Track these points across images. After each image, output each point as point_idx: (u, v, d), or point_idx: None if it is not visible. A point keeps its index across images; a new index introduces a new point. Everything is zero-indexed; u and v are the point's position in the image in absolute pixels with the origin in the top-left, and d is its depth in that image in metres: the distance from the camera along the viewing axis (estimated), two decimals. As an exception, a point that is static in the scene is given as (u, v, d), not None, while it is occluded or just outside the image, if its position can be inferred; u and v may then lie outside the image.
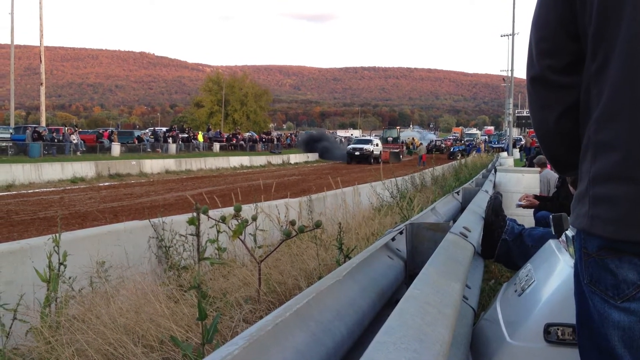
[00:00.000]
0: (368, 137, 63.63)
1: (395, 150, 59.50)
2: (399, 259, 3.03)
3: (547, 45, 1.48)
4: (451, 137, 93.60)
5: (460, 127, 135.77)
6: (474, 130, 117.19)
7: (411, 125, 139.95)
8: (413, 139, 76.27)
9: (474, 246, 3.11)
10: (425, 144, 73.25)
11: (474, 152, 55.99)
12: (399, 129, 74.25)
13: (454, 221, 4.41)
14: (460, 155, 48.03)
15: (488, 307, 3.12)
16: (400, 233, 3.22)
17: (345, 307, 1.96)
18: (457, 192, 7.76)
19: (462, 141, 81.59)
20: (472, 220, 4.14)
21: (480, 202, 5.62)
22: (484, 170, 17.86)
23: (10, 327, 3.37)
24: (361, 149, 52.06)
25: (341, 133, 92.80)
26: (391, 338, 1.24)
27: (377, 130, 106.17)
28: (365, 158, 50.63)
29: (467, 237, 3.13)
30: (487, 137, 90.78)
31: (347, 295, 2.05)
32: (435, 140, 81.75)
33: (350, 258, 3.59)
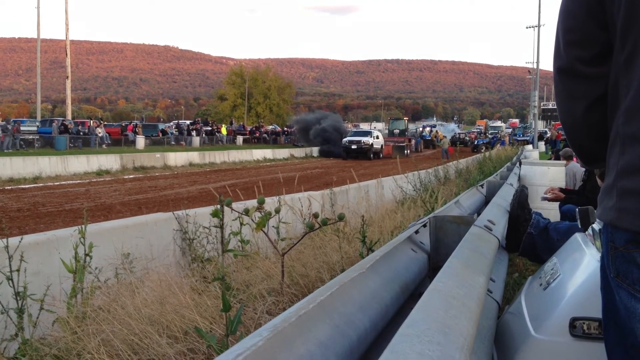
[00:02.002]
0: (367, 129, 54.89)
1: (400, 144, 52.38)
2: (423, 252, 3.01)
3: (575, 36, 1.45)
4: (475, 130, 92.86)
5: (484, 120, 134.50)
6: (498, 123, 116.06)
7: (434, 118, 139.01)
8: (437, 131, 75.55)
9: (498, 239, 3.09)
10: (448, 137, 72.26)
11: (499, 145, 55.35)
12: (407, 119, 66.61)
13: (478, 214, 4.39)
14: (484, 148, 47.64)
15: (513, 301, 3.10)
16: (424, 226, 3.20)
17: (369, 299, 1.96)
18: (482, 185, 7.71)
19: (487, 134, 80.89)
20: (497, 213, 4.11)
21: (504, 195, 5.57)
22: (508, 163, 17.69)
23: (38, 317, 3.43)
24: (359, 142, 45.47)
25: (364, 126, 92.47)
26: (415, 330, 1.23)
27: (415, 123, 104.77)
28: (364, 153, 44.74)
29: (491, 230, 3.10)
30: (512, 130, 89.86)
31: (371, 288, 2.05)
32: (459, 133, 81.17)
33: (373, 251, 3.59)
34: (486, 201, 6.53)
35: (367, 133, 48.54)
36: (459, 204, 5.22)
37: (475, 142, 63.91)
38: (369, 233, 4.78)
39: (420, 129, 76.75)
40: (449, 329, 1.31)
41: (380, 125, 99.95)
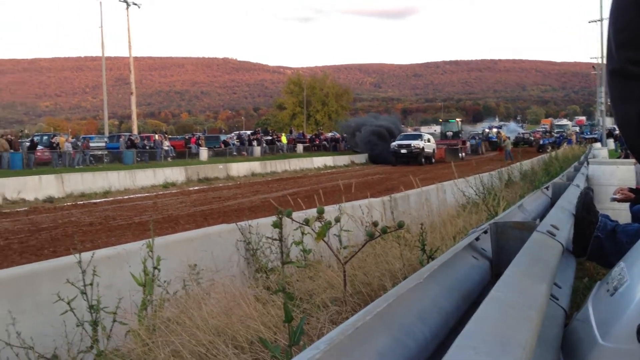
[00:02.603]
0: (418, 132, 51.46)
1: (454, 147, 49.50)
2: (484, 259, 2.99)
3: (626, 36, 1.43)
4: (540, 129, 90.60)
5: (549, 119, 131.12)
6: (564, 121, 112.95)
7: (496, 118, 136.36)
8: (499, 132, 73.98)
9: (562, 245, 3.03)
10: (511, 137, 70.49)
11: (565, 144, 53.76)
12: (460, 121, 60.52)
13: (542, 218, 4.30)
14: (550, 148, 46.41)
15: (580, 307, 3.03)
16: (485, 232, 3.18)
17: (428, 309, 1.97)
18: (547, 187, 7.54)
19: (552, 133, 78.82)
20: (562, 217, 4.02)
21: (570, 198, 5.44)
22: (575, 163, 17.21)
23: (111, 329, 3.57)
24: (408, 145, 42.03)
25: (424, 129, 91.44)
26: (471, 342, 1.24)
27: (463, 126, 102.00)
28: (415, 157, 41.31)
29: (555, 235, 3.04)
30: (578, 128, 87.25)
31: (430, 297, 2.05)
32: (523, 133, 79.39)
33: (433, 258, 3.58)
34: (552, 204, 6.38)
35: (418, 136, 45.33)
36: (522, 207, 5.12)
37: (541, 142, 62.28)
38: (430, 239, 4.76)
39: (487, 130, 74.83)
40: (507, 340, 1.31)
41: (440, 128, 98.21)
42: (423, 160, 41.75)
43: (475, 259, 2.83)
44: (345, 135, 59.42)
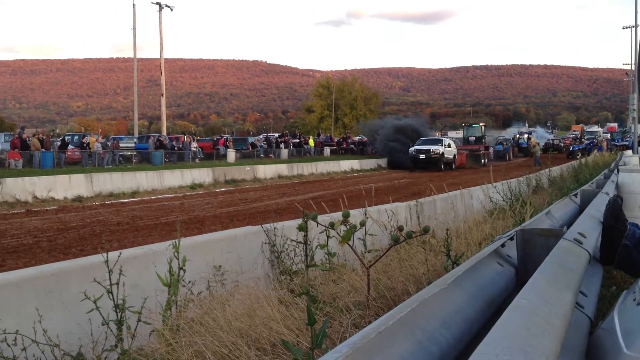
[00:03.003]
0: (438, 137, 47.86)
1: (476, 153, 47.10)
2: (510, 266, 2.96)
3: None
4: (570, 135, 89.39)
5: (580, 125, 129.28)
6: (595, 128, 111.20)
7: (525, 124, 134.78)
8: (529, 138, 73.01)
9: (589, 253, 2.99)
10: (540, 143, 69.42)
11: (595, 151, 52.87)
12: (483, 125, 57.29)
13: (570, 226, 4.25)
14: (580, 155, 45.68)
15: (606, 316, 2.98)
16: (511, 239, 3.15)
17: (452, 315, 1.95)
18: (575, 195, 7.44)
19: (582, 139, 77.69)
20: (590, 225, 3.97)
21: (599, 205, 5.36)
22: (605, 170, 16.95)
23: (135, 329, 3.60)
24: (428, 151, 39.98)
25: (452, 134, 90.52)
26: (494, 349, 1.23)
27: (491, 131, 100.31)
28: (434, 163, 39.61)
29: (582, 243, 3.01)
30: (609, 135, 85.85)
31: (454, 303, 2.04)
32: (553, 139, 78.42)
33: (458, 264, 3.55)
34: (580, 211, 6.30)
35: (437, 141, 42.95)
36: (550, 214, 5.07)
37: (571, 148, 61.47)
38: (455, 245, 4.73)
39: (517, 135, 73.58)
40: (530, 348, 1.29)
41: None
42: (443, 166, 40.08)
43: (500, 266, 2.80)
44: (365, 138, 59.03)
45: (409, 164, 40.63)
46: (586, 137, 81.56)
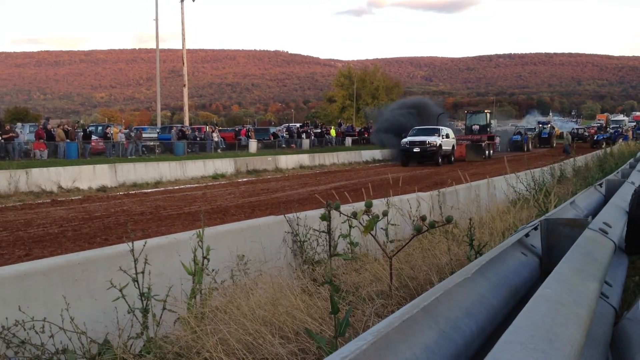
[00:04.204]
0: (434, 126, 39.47)
1: (477, 143, 41.41)
2: (534, 256, 2.95)
3: None
4: (595, 125, 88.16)
5: (605, 114, 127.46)
6: (620, 117, 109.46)
7: (550, 113, 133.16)
8: (553, 127, 71.90)
9: (614, 243, 2.97)
10: (564, 132, 68.06)
11: (620, 140, 51.90)
12: (488, 112, 50.43)
13: (595, 216, 4.21)
14: (604, 144, 44.88)
15: (631, 306, 2.96)
16: (535, 229, 3.13)
17: (475, 304, 1.96)
18: (600, 184, 7.37)
19: (608, 128, 76.48)
20: (615, 215, 3.93)
21: (624, 195, 5.31)
22: (631, 160, 16.73)
23: (161, 317, 3.65)
24: (423, 142, 34.55)
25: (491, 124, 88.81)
26: (519, 338, 1.23)
27: (514, 120, 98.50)
28: (430, 156, 34.61)
29: (607, 233, 2.98)
30: (635, 123, 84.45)
31: (477, 292, 2.04)
32: (577, 128, 77.36)
33: (481, 254, 3.54)
34: (605, 201, 6.23)
35: (434, 130, 36.74)
36: (574, 204, 5.03)
37: (595, 137, 60.37)
38: (478, 235, 4.71)
39: (540, 124, 71.64)
40: (555, 337, 1.29)
41: (492, 123, 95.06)
42: (441, 159, 35.12)
43: (524, 255, 2.79)
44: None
45: (401, 157, 35.79)
46: (611, 126, 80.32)
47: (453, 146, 37.41)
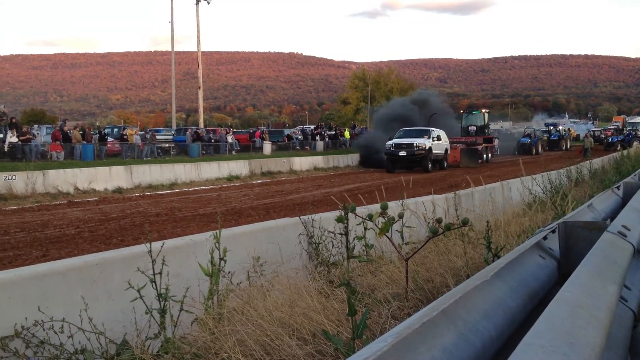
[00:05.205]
0: (424, 127, 34.91)
1: (473, 147, 36.89)
2: (552, 259, 2.94)
3: None
4: (611, 127, 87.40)
5: (622, 116, 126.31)
6: (637, 119, 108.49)
7: (566, 115, 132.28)
8: (569, 129, 71.27)
9: (633, 246, 2.95)
10: (581, 134, 67.24)
11: (635, 143, 51.15)
12: (486, 112, 45.36)
13: (613, 219, 4.18)
14: (619, 146, 44.26)
15: (651, 311, 2.94)
16: (553, 232, 3.12)
17: (494, 307, 1.96)
18: (618, 187, 7.31)
19: (624, 130, 75.72)
20: (633, 217, 3.90)
21: (642, 198, 5.26)
22: (648, 162, 16.58)
23: (178, 318, 3.68)
24: (410, 145, 30.66)
25: (492, 126, 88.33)
26: (540, 340, 1.24)
27: (529, 122, 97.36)
28: (419, 161, 30.76)
29: (626, 236, 2.96)
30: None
31: (496, 295, 2.04)
32: (594, 130, 76.73)
33: (499, 257, 3.53)
34: (623, 204, 6.18)
35: (423, 132, 32.68)
36: (592, 207, 4.99)
37: (609, 140, 59.42)
38: (494, 238, 4.70)
39: (551, 127, 70.38)
40: (575, 340, 1.30)
41: (507, 125, 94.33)
42: (430, 164, 31.13)
43: (542, 259, 2.79)
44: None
45: (385, 162, 31.81)
46: (627, 129, 79.56)
47: (446, 150, 33.88)
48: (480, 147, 37.39)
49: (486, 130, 43.05)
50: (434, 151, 31.54)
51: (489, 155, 39.44)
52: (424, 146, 30.69)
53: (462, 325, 1.69)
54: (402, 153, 30.65)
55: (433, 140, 31.89)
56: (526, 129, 62.78)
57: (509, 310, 2.07)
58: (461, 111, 46.83)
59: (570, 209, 6.64)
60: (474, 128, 41.98)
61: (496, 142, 46.06)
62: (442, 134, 33.81)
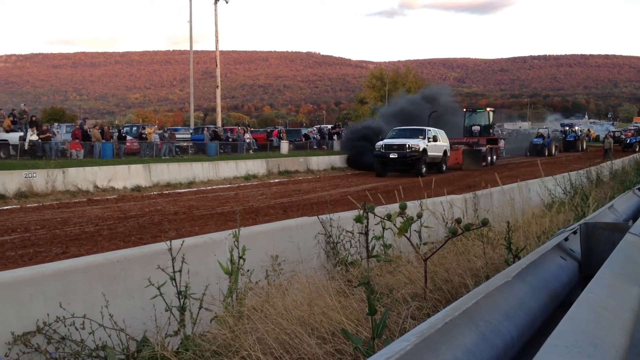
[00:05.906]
0: (419, 126, 31.40)
1: (476, 148, 34.43)
2: (573, 260, 2.92)
3: None
4: (632, 128, 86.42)
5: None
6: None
7: (586, 116, 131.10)
8: (589, 130, 70.51)
9: (656, 248, 2.92)
10: (601, 135, 66.34)
11: None
12: (489, 110, 42.49)
13: (635, 220, 4.14)
14: (638, 147, 43.73)
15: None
16: (574, 233, 3.10)
17: (515, 308, 1.95)
18: (639, 188, 7.24)
19: (643, 131, 74.74)
20: (655, 219, 3.87)
21: (664, 199, 5.21)
22: (670, 163, 16.39)
23: (197, 315, 3.70)
24: (402, 147, 27.74)
25: (508, 126, 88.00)
26: (563, 342, 1.23)
27: (543, 122, 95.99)
28: (412, 164, 27.57)
29: (648, 237, 2.94)
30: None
31: (517, 296, 2.03)
32: (614, 131, 75.94)
33: (519, 258, 3.51)
34: (644, 205, 6.13)
35: (418, 132, 29.50)
36: (613, 209, 4.96)
37: (627, 141, 58.41)
38: (513, 239, 4.67)
39: (567, 127, 68.52)
40: (599, 341, 1.29)
41: (526, 125, 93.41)
42: (424, 167, 27.89)
43: (563, 260, 2.77)
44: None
45: (374, 165, 28.98)
46: (647, 129, 78.53)
47: (445, 152, 30.78)
48: (484, 149, 35.16)
49: (491, 131, 40.52)
50: (429, 153, 28.57)
51: (494, 157, 37.29)
52: (417, 147, 27.78)
53: (484, 326, 1.69)
54: (393, 155, 27.79)
55: (429, 141, 28.98)
56: (539, 129, 60.15)
57: (530, 311, 2.06)
58: (464, 110, 43.45)
59: (591, 210, 6.59)
60: (478, 128, 39.30)
61: (502, 143, 43.89)
62: (441, 134, 31.12)
